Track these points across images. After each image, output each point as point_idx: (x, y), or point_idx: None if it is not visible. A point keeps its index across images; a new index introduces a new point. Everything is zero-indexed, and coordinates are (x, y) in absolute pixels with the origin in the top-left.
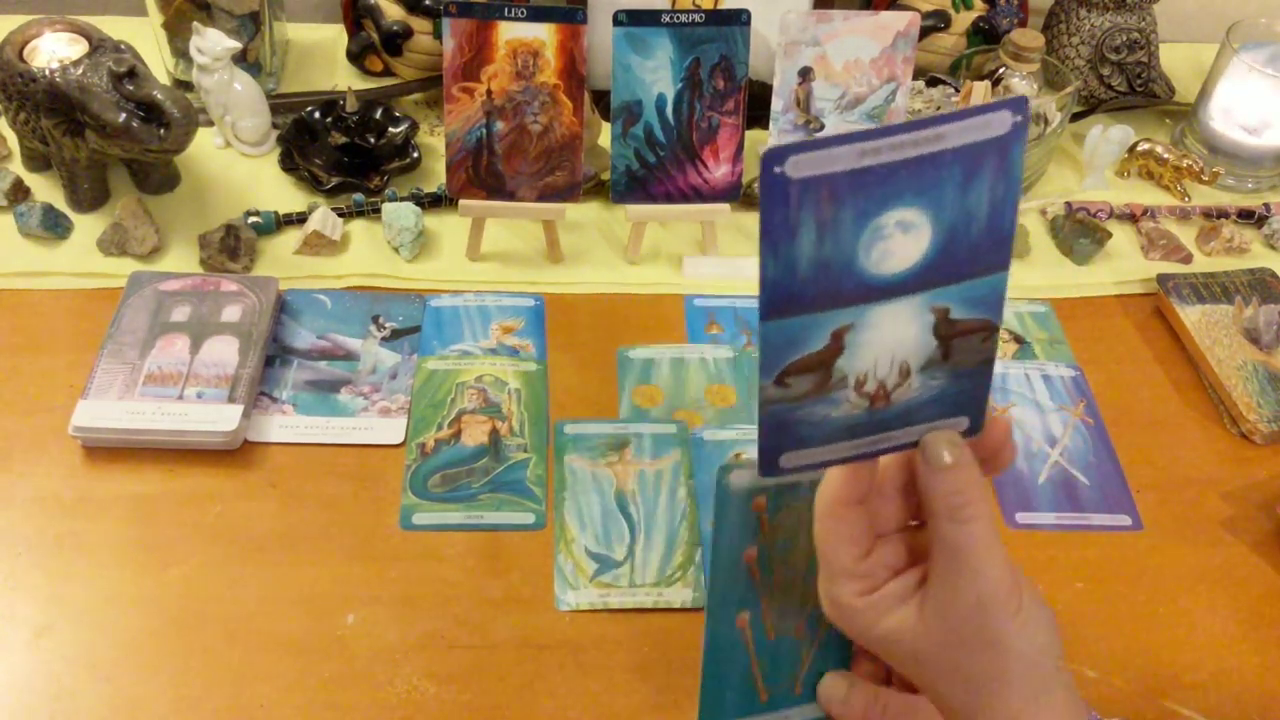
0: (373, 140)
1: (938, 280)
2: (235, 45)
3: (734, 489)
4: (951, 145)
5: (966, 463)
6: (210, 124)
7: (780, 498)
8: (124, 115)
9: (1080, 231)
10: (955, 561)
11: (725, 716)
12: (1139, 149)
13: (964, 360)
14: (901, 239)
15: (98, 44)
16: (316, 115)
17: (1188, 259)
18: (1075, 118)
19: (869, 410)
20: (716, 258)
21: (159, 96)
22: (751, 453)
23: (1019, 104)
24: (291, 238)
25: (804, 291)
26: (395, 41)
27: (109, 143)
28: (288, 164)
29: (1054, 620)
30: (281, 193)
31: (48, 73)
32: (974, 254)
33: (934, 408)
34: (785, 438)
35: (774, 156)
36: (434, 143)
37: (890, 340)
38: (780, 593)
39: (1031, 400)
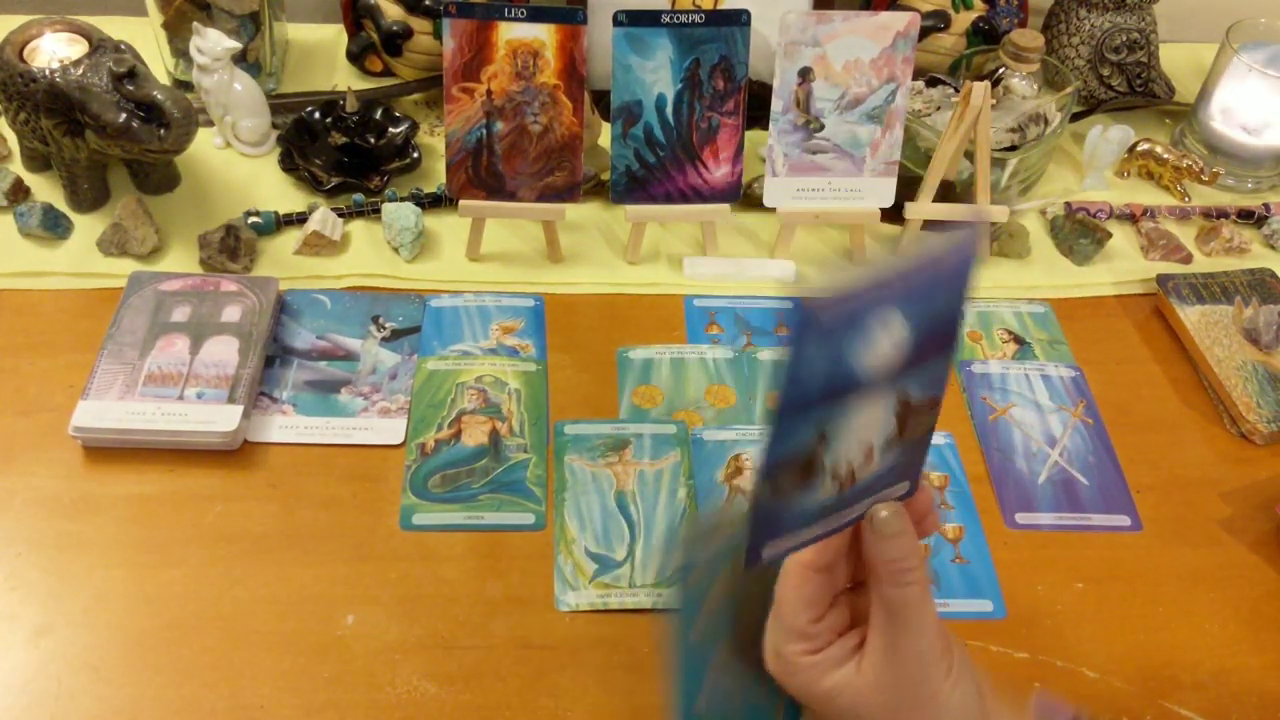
0: (373, 140)
1: (905, 370)
2: (235, 45)
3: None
4: (932, 261)
5: (909, 530)
6: (210, 124)
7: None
8: (124, 115)
9: (1080, 232)
10: (896, 621)
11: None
12: (1139, 149)
13: (914, 433)
14: (887, 342)
15: (98, 44)
16: (316, 115)
17: (1187, 259)
18: (1075, 118)
19: (838, 493)
20: (716, 258)
21: (159, 96)
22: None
23: (974, 231)
24: (291, 238)
25: (809, 399)
26: (395, 41)
27: (109, 143)
28: (288, 164)
29: (977, 681)
30: (281, 193)
31: (48, 73)
32: (932, 344)
33: (886, 479)
34: (770, 532)
35: (811, 310)
36: (434, 143)
37: (862, 426)
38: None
39: (1031, 400)
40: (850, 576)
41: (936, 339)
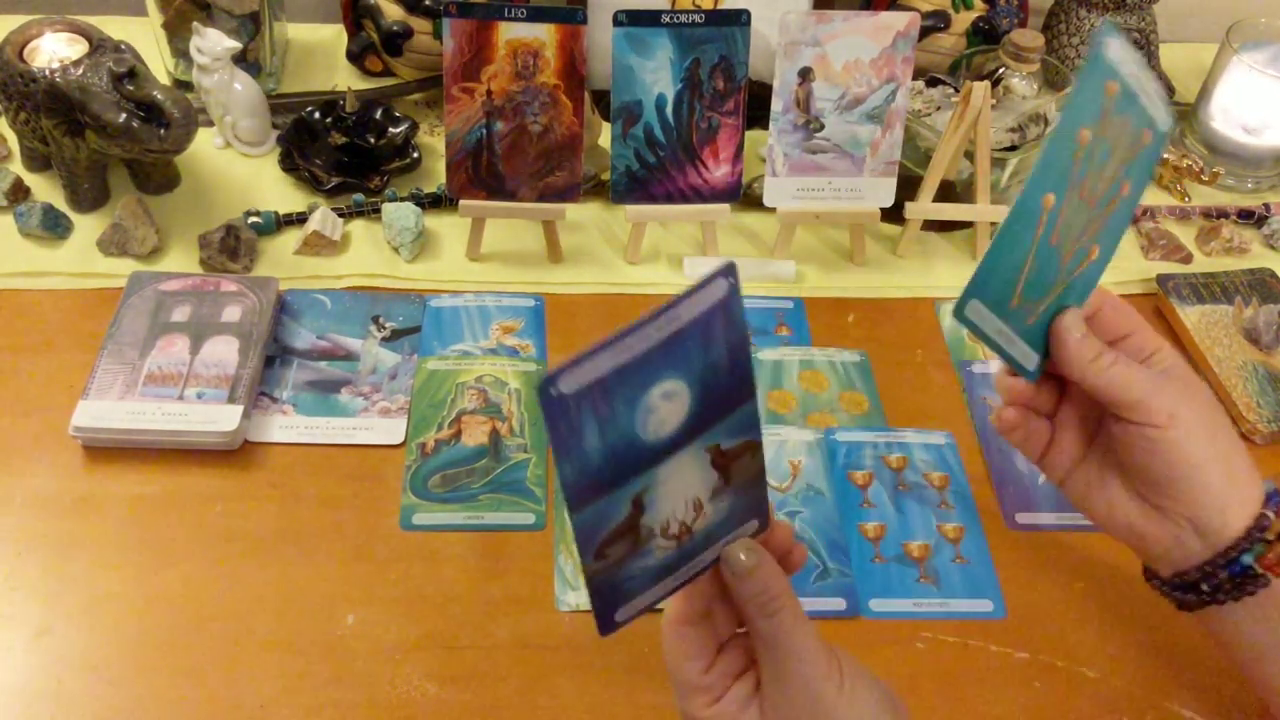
0: (373, 140)
1: (704, 427)
2: (235, 45)
3: (1105, 56)
4: (686, 321)
5: (766, 561)
6: (210, 124)
7: (1124, 100)
8: (124, 115)
9: None
10: (776, 651)
11: (986, 296)
12: None
13: (742, 478)
14: (667, 406)
15: (98, 44)
16: (316, 115)
17: (1187, 259)
18: None
19: (678, 548)
20: (716, 258)
21: (159, 96)
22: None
23: (729, 269)
24: (291, 238)
25: (600, 478)
26: (395, 41)
27: (109, 143)
28: (288, 164)
29: (882, 686)
30: (281, 193)
31: (48, 73)
32: (726, 396)
33: (728, 524)
34: (613, 598)
35: (548, 383)
36: (434, 143)
37: (680, 486)
38: (1079, 199)
39: None
40: (737, 622)
41: (727, 390)
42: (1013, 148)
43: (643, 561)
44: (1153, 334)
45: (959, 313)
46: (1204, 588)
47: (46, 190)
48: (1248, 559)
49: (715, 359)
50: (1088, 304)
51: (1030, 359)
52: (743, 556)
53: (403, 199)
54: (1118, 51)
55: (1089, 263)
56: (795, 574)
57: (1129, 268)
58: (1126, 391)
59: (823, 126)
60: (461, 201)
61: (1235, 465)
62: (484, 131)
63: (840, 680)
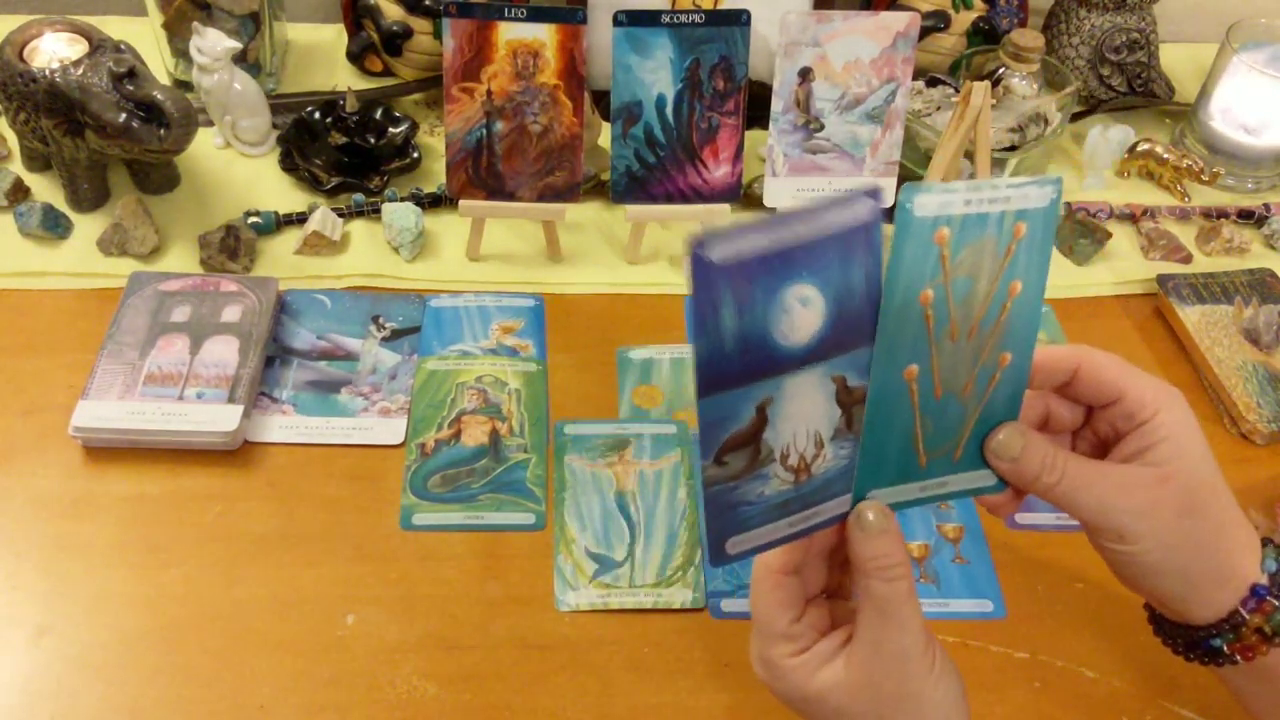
0: (373, 140)
1: (833, 351)
2: (235, 45)
3: (915, 216)
4: (831, 229)
5: (894, 529)
6: (210, 124)
7: (965, 231)
8: (124, 115)
9: (1080, 231)
10: (882, 616)
11: (882, 481)
12: (1139, 149)
13: (859, 429)
14: (803, 312)
15: (98, 44)
16: (316, 115)
17: (1188, 259)
18: (1075, 118)
19: (795, 485)
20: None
21: (159, 96)
22: None
23: (876, 193)
24: (291, 238)
25: (730, 366)
26: (395, 41)
27: (109, 143)
28: (288, 164)
29: (963, 685)
30: (281, 193)
31: (48, 73)
32: (856, 326)
33: (844, 480)
34: (729, 522)
35: (699, 245)
36: (434, 143)
37: (803, 411)
38: (952, 344)
39: None
40: (824, 586)
41: (860, 319)
42: (1013, 148)
43: (760, 487)
44: (1152, 390)
45: (853, 505)
46: (1179, 647)
47: (46, 190)
48: (1218, 643)
49: (852, 281)
50: (1061, 368)
51: (987, 478)
52: (876, 518)
53: (403, 199)
54: (934, 198)
55: (1002, 371)
56: None
57: (1129, 268)
58: (1079, 512)
59: (823, 126)
60: (461, 201)
61: (1219, 560)
62: (484, 131)
63: (933, 663)
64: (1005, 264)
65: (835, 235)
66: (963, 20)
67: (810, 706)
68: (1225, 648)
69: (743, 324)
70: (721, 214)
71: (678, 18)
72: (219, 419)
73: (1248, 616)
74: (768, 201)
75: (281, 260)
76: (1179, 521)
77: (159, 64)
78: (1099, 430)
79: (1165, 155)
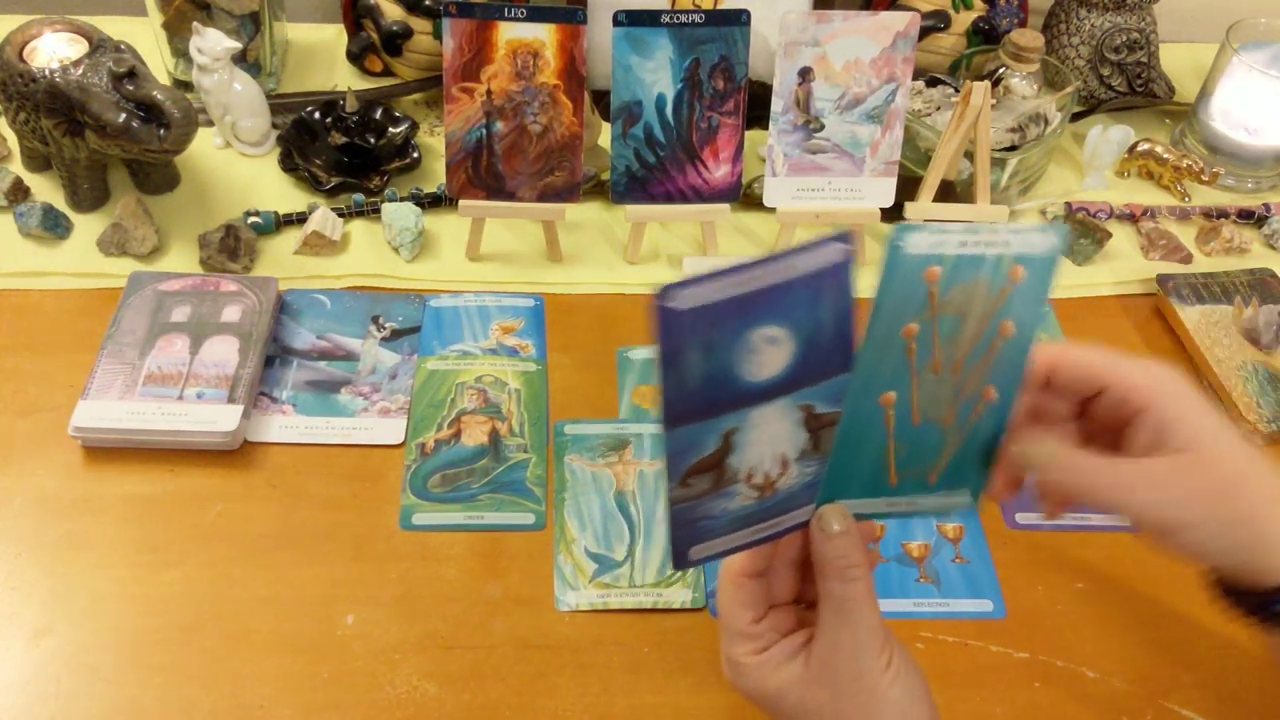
0: (373, 140)
1: (800, 384)
2: (235, 45)
3: (906, 254)
4: (799, 272)
5: (853, 531)
6: (210, 124)
7: (958, 271)
8: (124, 115)
9: (1080, 231)
10: (839, 615)
11: (848, 494)
12: (1139, 149)
13: (830, 447)
14: (770, 350)
15: (98, 44)
16: (316, 115)
17: (1188, 259)
18: (1075, 118)
19: (759, 500)
20: (716, 258)
21: (159, 96)
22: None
23: (846, 238)
24: (291, 238)
25: (697, 403)
26: (395, 41)
27: (109, 143)
28: (288, 164)
29: (925, 682)
30: (281, 193)
31: (48, 73)
32: (827, 360)
33: (809, 492)
34: (691, 532)
35: (665, 293)
36: (434, 143)
37: (769, 436)
38: (935, 376)
39: None
40: (793, 594)
41: (831, 354)
42: (1013, 148)
43: (723, 503)
44: (1139, 373)
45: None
46: (1246, 610)
47: (46, 190)
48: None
49: (821, 319)
50: (1035, 371)
51: (960, 501)
52: (835, 520)
53: (403, 199)
54: (926, 238)
55: (986, 404)
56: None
57: (1129, 268)
58: (1122, 514)
59: (823, 126)
60: (461, 201)
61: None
62: (484, 131)
63: (890, 660)
64: (999, 305)
65: (805, 278)
66: (963, 20)
67: (771, 703)
68: None
69: (709, 365)
70: (721, 214)
71: (678, 18)
72: (219, 419)
73: None
74: (768, 201)
75: (281, 260)
76: (1223, 502)
77: (159, 64)
78: (1100, 419)
79: (1165, 155)
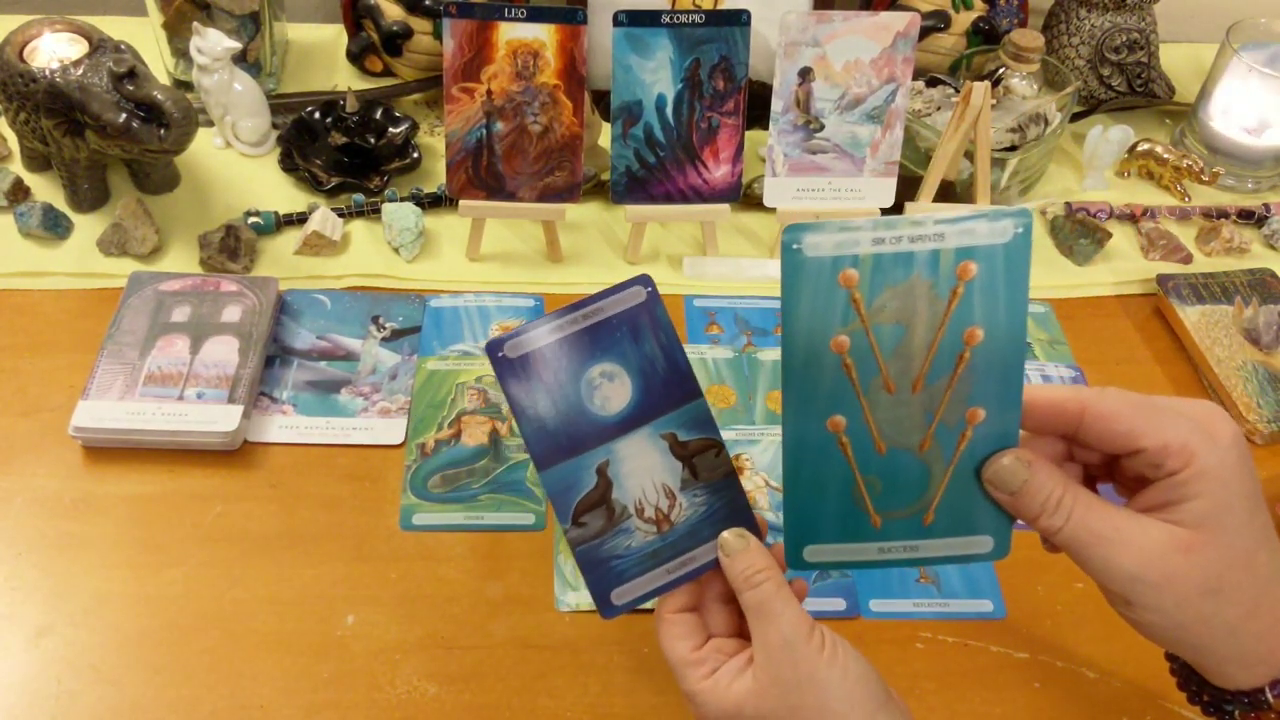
0: (373, 140)
1: (654, 413)
2: (235, 45)
3: (806, 256)
4: (610, 314)
5: (754, 545)
6: (210, 124)
7: (880, 273)
8: (124, 115)
9: (1080, 232)
10: (761, 616)
11: (822, 538)
12: (1139, 149)
13: (710, 475)
14: (610, 386)
15: (98, 44)
16: (316, 115)
17: (1187, 259)
18: (1075, 118)
19: (660, 535)
20: (716, 258)
21: (159, 96)
22: (755, 439)
23: (646, 280)
24: (291, 238)
25: (559, 441)
26: (395, 41)
27: (109, 143)
28: (288, 164)
29: (870, 667)
30: (281, 193)
31: (48, 73)
32: (669, 389)
33: (713, 523)
34: (605, 576)
35: (493, 347)
36: (434, 143)
37: (643, 468)
38: (889, 396)
39: None
40: (733, 627)
41: (668, 383)
42: (1013, 148)
43: (625, 540)
44: (1180, 436)
45: (796, 563)
46: (1195, 697)
47: (46, 190)
48: (1230, 708)
49: (649, 353)
50: (1063, 413)
51: (981, 545)
52: (730, 540)
53: (403, 199)
54: (828, 237)
55: (975, 428)
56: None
57: (1129, 268)
58: (1083, 565)
59: (823, 126)
60: (461, 201)
61: (1245, 645)
62: (484, 131)
63: (823, 644)
64: (951, 309)
65: (615, 318)
66: (963, 20)
67: None
68: (1238, 715)
69: (557, 404)
70: (721, 214)
71: (678, 18)
72: (219, 419)
73: (1273, 700)
74: (768, 201)
75: (281, 260)
76: (1200, 600)
77: (159, 64)
78: (1130, 472)
79: (1165, 155)
